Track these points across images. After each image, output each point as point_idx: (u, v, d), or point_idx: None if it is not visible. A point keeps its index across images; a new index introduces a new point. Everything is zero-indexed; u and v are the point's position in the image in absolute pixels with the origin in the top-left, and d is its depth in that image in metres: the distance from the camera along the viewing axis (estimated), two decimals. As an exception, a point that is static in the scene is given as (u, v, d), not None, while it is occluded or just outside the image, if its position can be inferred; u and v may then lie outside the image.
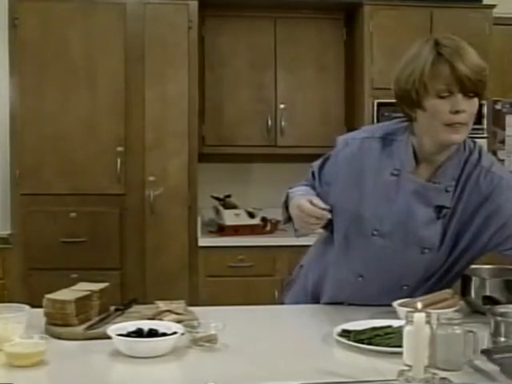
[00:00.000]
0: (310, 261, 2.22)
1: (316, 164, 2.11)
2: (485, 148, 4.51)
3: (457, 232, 1.92)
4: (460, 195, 1.90)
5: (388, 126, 2.00)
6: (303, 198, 1.90)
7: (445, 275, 1.99)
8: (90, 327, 1.76)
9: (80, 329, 1.76)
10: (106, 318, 1.85)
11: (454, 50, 1.76)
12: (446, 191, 1.88)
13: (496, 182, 1.89)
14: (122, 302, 2.01)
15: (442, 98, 1.76)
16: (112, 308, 1.95)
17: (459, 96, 1.76)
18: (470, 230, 1.91)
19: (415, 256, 1.93)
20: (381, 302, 1.96)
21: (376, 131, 2.00)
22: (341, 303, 2.07)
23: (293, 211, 1.95)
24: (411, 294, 1.94)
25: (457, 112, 1.76)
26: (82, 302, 1.82)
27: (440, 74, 1.75)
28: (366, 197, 1.95)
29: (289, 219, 2.05)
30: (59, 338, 1.71)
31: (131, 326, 1.68)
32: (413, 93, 1.79)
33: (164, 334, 1.63)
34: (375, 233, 1.94)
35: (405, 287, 1.98)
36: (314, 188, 2.08)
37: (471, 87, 1.75)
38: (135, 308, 1.97)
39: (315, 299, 2.13)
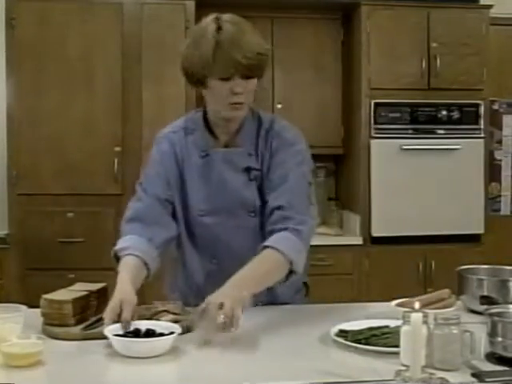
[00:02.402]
0: (172, 283, 2.23)
1: (141, 178, 2.14)
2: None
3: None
4: (262, 159, 2.03)
5: (188, 116, 2.13)
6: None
7: None
8: (87, 327, 1.77)
9: (77, 329, 1.76)
10: (103, 318, 1.84)
11: (232, 39, 1.86)
12: (250, 155, 2.03)
13: (280, 142, 2.04)
14: (119, 302, 2.00)
15: (222, 79, 1.89)
16: (109, 308, 1.94)
17: (237, 80, 1.90)
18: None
19: (246, 222, 2.03)
20: None
21: (179, 124, 2.12)
22: None
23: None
24: None
25: (235, 93, 1.91)
26: (80, 302, 1.83)
27: (219, 61, 1.87)
28: (187, 185, 2.05)
29: None
30: (56, 339, 1.72)
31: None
32: (199, 73, 1.91)
33: (161, 335, 1.63)
34: (201, 213, 2.04)
35: None
36: (143, 203, 2.08)
37: (248, 72, 1.90)
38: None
39: None
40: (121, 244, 1.97)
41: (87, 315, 1.85)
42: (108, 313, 1.70)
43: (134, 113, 4.27)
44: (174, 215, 2.09)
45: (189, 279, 2.15)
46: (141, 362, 1.56)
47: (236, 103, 1.94)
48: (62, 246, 4.20)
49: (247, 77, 1.91)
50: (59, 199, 4.24)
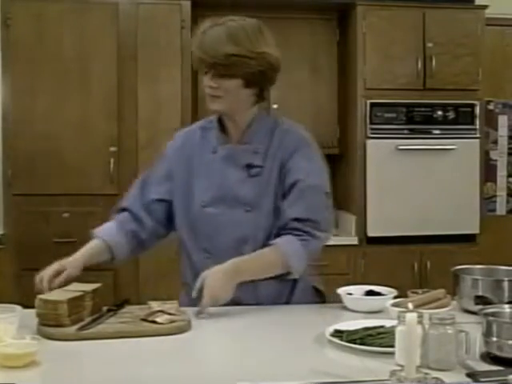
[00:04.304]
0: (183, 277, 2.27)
1: (150, 169, 2.26)
2: (478, 148, 4.54)
3: (275, 194, 2.10)
4: (274, 158, 2.10)
5: (209, 117, 2.24)
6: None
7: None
8: (83, 328, 1.76)
9: (72, 329, 1.76)
10: (98, 318, 1.85)
11: (205, 39, 2.06)
12: (255, 152, 2.11)
13: (298, 145, 2.17)
14: (114, 302, 2.01)
15: (205, 73, 2.06)
16: (104, 308, 1.95)
17: (208, 75, 2.05)
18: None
19: (242, 217, 2.08)
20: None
21: (199, 123, 2.26)
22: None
23: None
24: None
25: (209, 86, 2.05)
26: (75, 302, 1.82)
27: (193, 57, 2.08)
28: (194, 179, 2.14)
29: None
30: (51, 339, 1.71)
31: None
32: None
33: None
34: (203, 203, 2.12)
35: None
36: (135, 200, 2.25)
37: (220, 71, 2.02)
38: (128, 308, 1.97)
39: None
40: (96, 229, 2.27)
41: (82, 315, 1.84)
42: (46, 272, 2.02)
43: (130, 113, 4.26)
44: (169, 215, 2.20)
45: (193, 271, 2.15)
46: (136, 362, 1.56)
47: (211, 95, 2.07)
48: (58, 246, 4.19)
49: (219, 74, 2.02)
50: (55, 199, 4.23)
